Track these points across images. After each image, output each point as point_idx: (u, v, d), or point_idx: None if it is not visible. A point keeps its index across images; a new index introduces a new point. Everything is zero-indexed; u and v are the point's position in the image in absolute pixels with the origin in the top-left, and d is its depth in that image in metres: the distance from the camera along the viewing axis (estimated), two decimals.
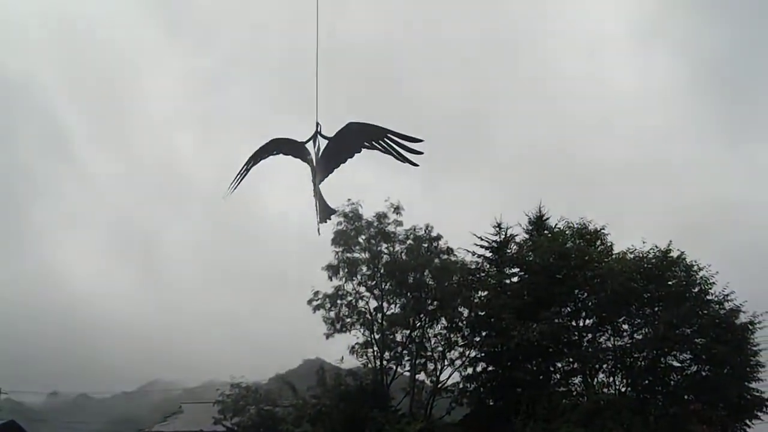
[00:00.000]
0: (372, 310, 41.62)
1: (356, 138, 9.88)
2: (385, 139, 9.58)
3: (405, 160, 9.53)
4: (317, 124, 10.40)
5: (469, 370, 40.43)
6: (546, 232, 41.04)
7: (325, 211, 10.74)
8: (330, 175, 10.40)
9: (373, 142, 9.67)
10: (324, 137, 10.36)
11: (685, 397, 34.91)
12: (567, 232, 39.60)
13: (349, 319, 41.29)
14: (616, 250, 38.92)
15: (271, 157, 11.25)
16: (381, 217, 41.66)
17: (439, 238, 41.60)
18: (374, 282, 41.49)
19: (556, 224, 41.12)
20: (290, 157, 11.01)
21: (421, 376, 41.83)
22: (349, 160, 10.12)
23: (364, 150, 9.90)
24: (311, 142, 10.56)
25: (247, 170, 11.42)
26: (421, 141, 9.44)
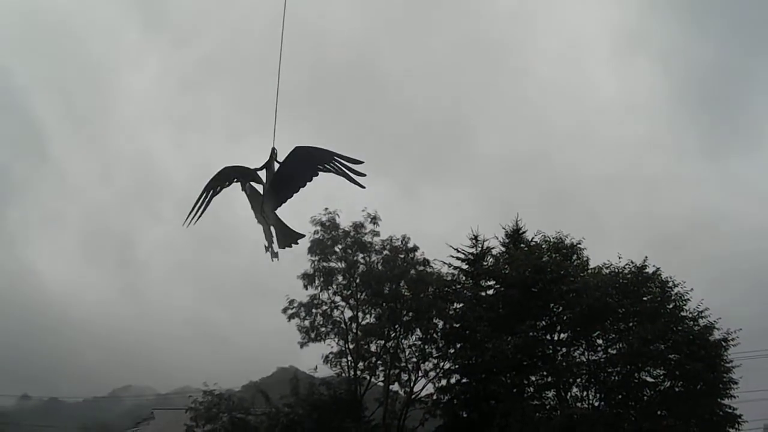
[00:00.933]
0: (347, 320, 41.61)
1: (307, 163, 9.87)
2: (335, 162, 9.63)
3: (354, 181, 9.63)
4: (272, 149, 10.29)
5: (443, 382, 40.56)
6: (522, 245, 41.07)
7: (287, 237, 10.64)
8: (287, 200, 10.29)
9: (325, 165, 9.69)
10: (279, 163, 10.26)
11: (658, 412, 34.98)
12: (543, 246, 39.67)
13: (323, 329, 41.23)
14: (592, 264, 39.11)
15: (232, 186, 11.04)
16: (358, 226, 41.67)
17: (415, 249, 41.68)
18: (350, 292, 41.48)
19: (533, 238, 41.23)
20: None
21: (395, 387, 41.88)
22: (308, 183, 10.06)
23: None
24: (265, 169, 10.47)
25: (206, 202, 11.11)
26: (361, 162, 9.57)
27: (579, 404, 36.36)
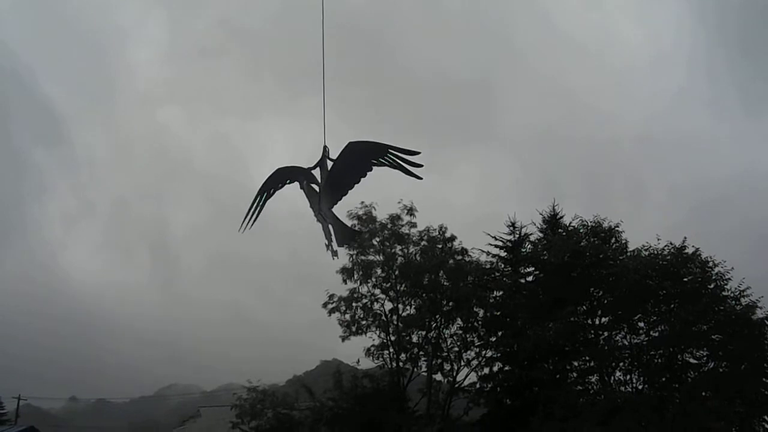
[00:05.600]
0: (387, 312, 41.86)
1: (361, 158, 9.89)
2: (389, 155, 9.68)
3: (410, 173, 9.69)
4: (324, 147, 10.30)
5: (486, 370, 40.66)
6: (560, 230, 40.91)
7: (345, 235, 10.71)
8: (342, 198, 10.37)
9: (379, 159, 9.75)
10: (332, 161, 10.28)
11: (703, 393, 34.72)
12: (581, 231, 39.37)
13: (364, 322, 41.47)
14: (631, 246, 38.74)
15: (285, 186, 11.07)
16: (394, 219, 41.79)
17: (453, 238, 41.83)
18: (389, 284, 41.64)
19: (571, 222, 40.93)
20: (297, 184, 10.90)
21: (438, 377, 42.01)
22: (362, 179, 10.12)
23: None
24: (318, 167, 10.49)
25: (260, 205, 11.12)
26: (418, 153, 9.59)
27: (623, 388, 36.23)
